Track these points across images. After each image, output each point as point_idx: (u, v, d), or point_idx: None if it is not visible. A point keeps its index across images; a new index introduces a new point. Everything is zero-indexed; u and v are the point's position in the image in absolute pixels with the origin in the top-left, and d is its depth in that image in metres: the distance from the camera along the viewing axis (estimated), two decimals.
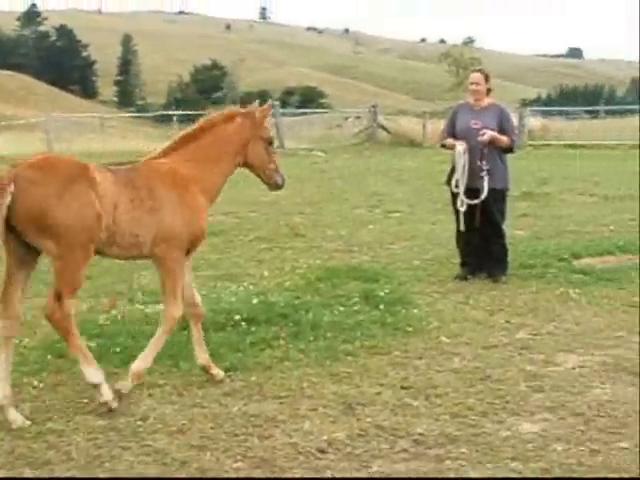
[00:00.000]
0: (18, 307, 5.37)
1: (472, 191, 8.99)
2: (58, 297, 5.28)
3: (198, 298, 6.09)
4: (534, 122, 35.16)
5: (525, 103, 75.20)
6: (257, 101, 6.46)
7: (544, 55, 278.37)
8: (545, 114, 41.38)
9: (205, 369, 6.07)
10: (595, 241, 11.13)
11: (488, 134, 8.92)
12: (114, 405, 5.45)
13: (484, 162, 8.92)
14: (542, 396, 5.67)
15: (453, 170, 9.20)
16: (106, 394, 5.45)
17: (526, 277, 9.18)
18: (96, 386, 5.44)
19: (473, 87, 9.30)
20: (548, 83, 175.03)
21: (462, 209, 9.01)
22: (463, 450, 4.82)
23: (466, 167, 8.94)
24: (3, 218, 5.06)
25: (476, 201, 8.95)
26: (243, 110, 6.30)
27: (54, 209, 5.13)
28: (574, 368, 6.25)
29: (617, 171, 20.33)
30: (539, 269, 9.45)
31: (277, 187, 6.42)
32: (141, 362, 5.76)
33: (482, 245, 9.20)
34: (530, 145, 30.51)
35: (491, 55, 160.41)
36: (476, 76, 9.33)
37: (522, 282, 8.98)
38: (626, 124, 35.24)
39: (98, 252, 5.58)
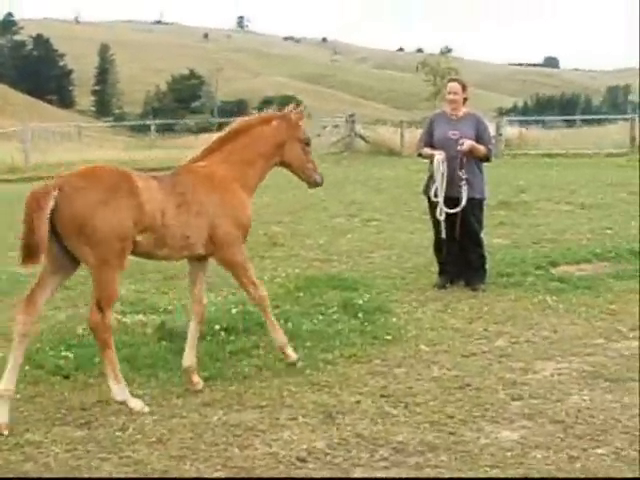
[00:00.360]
0: (40, 309, 5.59)
1: (451, 200, 9.01)
2: (100, 310, 5.50)
3: (205, 299, 6.33)
4: (511, 131, 35.32)
5: (502, 112, 75.75)
6: (292, 104, 6.80)
7: (520, 64, 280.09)
8: (522, 123, 41.61)
9: (187, 372, 6.08)
10: (572, 249, 11.19)
11: (467, 143, 8.98)
12: (146, 410, 5.56)
13: (463, 171, 8.96)
14: (521, 404, 5.69)
15: (430, 179, 9.22)
16: (135, 406, 5.59)
17: (504, 285, 9.22)
18: (123, 403, 5.60)
19: (451, 97, 9.32)
20: (525, 92, 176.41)
21: (441, 218, 9.03)
22: (442, 458, 4.82)
23: (445, 176, 8.95)
24: (45, 220, 5.24)
25: (455, 210, 8.98)
26: (279, 113, 6.63)
27: (95, 217, 5.36)
28: (552, 375, 6.28)
29: (593, 179, 20.44)
30: (517, 277, 9.49)
31: (316, 185, 6.78)
32: (278, 337, 6.40)
33: (460, 254, 9.23)
34: (507, 154, 30.64)
35: (468, 64, 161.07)
36: (454, 86, 9.36)
37: (500, 290, 9.02)
38: (602, 133, 35.57)
39: (148, 255, 5.94)
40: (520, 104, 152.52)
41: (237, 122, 6.58)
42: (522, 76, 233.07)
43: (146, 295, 8.95)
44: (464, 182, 8.96)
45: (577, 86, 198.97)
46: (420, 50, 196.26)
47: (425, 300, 8.69)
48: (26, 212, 5.28)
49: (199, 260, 6.21)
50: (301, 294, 8.77)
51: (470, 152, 9.03)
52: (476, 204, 9.16)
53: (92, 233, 5.35)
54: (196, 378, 6.09)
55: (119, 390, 5.62)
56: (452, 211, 8.99)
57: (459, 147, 8.95)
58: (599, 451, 4.90)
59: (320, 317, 7.81)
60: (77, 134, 42.97)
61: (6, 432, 5.23)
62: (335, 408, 5.60)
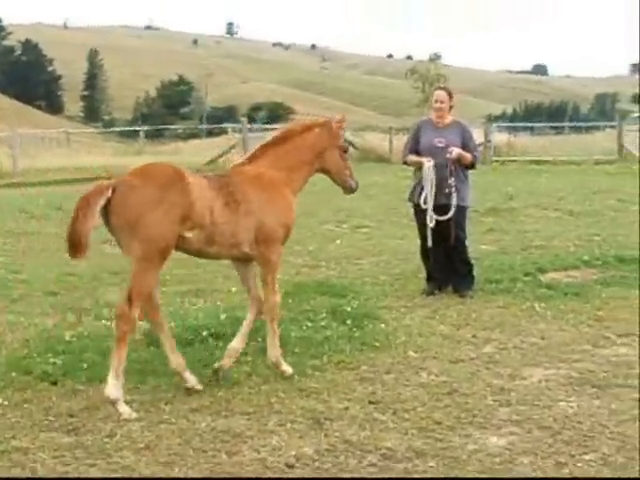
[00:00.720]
0: (157, 297, 6.03)
1: (438, 207, 9.02)
2: (129, 301, 5.66)
3: (261, 294, 6.49)
4: (500, 138, 35.46)
5: (491, 119, 75.93)
6: (338, 116, 6.94)
7: (509, 71, 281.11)
8: (511, 130, 41.79)
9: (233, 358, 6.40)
10: (560, 256, 11.23)
11: (456, 151, 9.01)
12: (132, 417, 5.58)
13: (452, 179, 8.99)
14: (509, 410, 5.70)
15: (416, 186, 9.25)
16: (124, 411, 5.61)
17: (492, 292, 9.24)
18: (113, 403, 5.64)
19: (437, 105, 9.33)
20: (513, 99, 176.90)
21: (431, 225, 9.01)
22: (431, 464, 4.83)
23: (434, 183, 8.97)
24: (91, 217, 5.57)
25: (446, 217, 8.99)
26: (321, 121, 6.89)
27: (146, 215, 5.59)
28: (540, 382, 6.30)
29: (582, 186, 20.53)
30: (505, 284, 9.51)
31: (351, 191, 7.08)
32: (273, 351, 6.44)
33: (447, 261, 9.25)
34: (496, 161, 30.76)
35: (457, 71, 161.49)
36: (441, 94, 9.37)
37: (489, 296, 9.05)
38: (590, 140, 35.75)
39: (198, 253, 6.16)
40: (509, 111, 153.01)
41: (281, 130, 6.89)
42: (511, 83, 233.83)
43: None
44: (453, 189, 8.98)
45: (566, 93, 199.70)
46: (410, 57, 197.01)
47: (413, 306, 8.71)
48: (75, 208, 5.62)
49: (245, 263, 6.46)
50: (290, 300, 8.75)
51: (457, 160, 9.07)
52: (461, 211, 9.17)
53: (141, 230, 5.60)
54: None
55: (114, 388, 5.63)
56: (442, 218, 8.99)
57: (448, 155, 8.97)
58: (586, 457, 4.92)
59: (309, 323, 7.81)
60: (66, 140, 42.90)
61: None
62: (323, 414, 5.60)
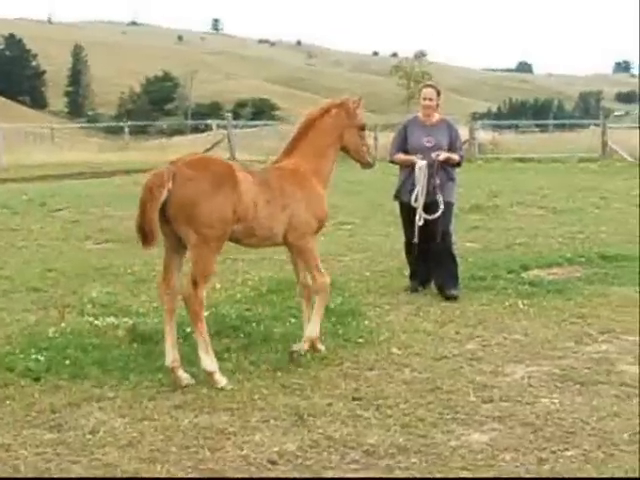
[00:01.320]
0: (177, 285, 6.23)
1: (426, 205, 8.96)
2: (195, 283, 6.04)
3: (309, 280, 6.84)
4: (484, 136, 35.53)
5: (475, 117, 76.07)
6: (355, 96, 7.24)
7: (494, 69, 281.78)
8: (495, 128, 41.88)
9: (309, 343, 6.75)
10: (544, 253, 11.28)
11: (443, 156, 8.96)
12: (229, 387, 6.00)
13: (438, 179, 8.91)
14: (491, 406, 5.72)
15: (404, 184, 9.18)
16: (220, 380, 6.05)
17: (476, 289, 9.27)
18: (210, 374, 6.07)
19: (426, 102, 9.21)
20: (498, 97, 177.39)
21: (420, 223, 8.93)
22: (413, 460, 4.85)
23: (425, 182, 8.89)
24: (157, 209, 5.86)
25: (435, 216, 8.91)
26: (338, 102, 7.15)
27: (202, 203, 5.95)
28: (523, 378, 6.32)
29: (565, 184, 20.62)
30: (489, 281, 9.55)
31: (369, 165, 7.41)
32: (312, 330, 6.76)
33: (432, 257, 9.20)
34: (480, 158, 30.82)
35: (442, 69, 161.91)
36: (429, 91, 9.26)
37: (472, 294, 9.07)
38: (574, 138, 35.87)
39: (237, 241, 6.56)
40: (494, 109, 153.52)
41: (302, 118, 7.14)
42: (496, 81, 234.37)
43: (118, 297, 8.91)
44: (439, 188, 8.92)
45: (550, 91, 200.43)
46: (395, 54, 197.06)
47: (397, 303, 8.72)
48: (141, 200, 5.92)
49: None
50: (273, 297, 8.78)
51: (445, 161, 9.03)
52: (448, 207, 9.12)
53: (198, 217, 5.94)
54: (319, 345, 6.83)
55: (208, 361, 6.10)
56: (432, 217, 8.91)
57: (433, 156, 8.92)
58: (568, 453, 4.95)
59: (292, 320, 7.81)
60: (50, 135, 42.73)
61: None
62: (306, 410, 5.60)
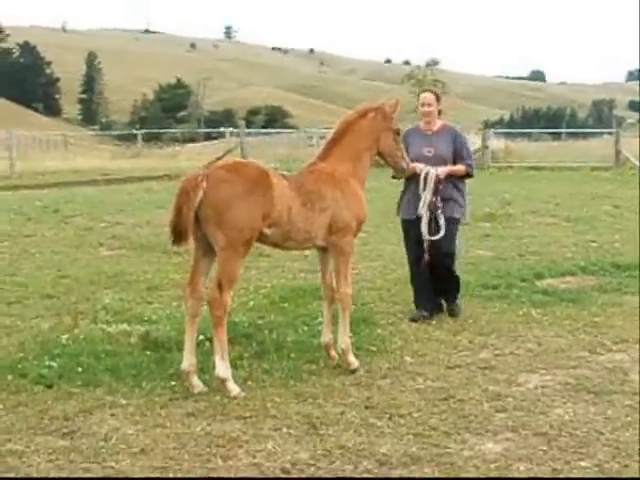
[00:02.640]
0: (202, 290, 6.26)
1: (428, 221, 8.30)
2: (220, 287, 6.07)
3: (335, 283, 6.82)
4: (497, 144, 35.48)
5: (488, 125, 75.99)
6: (387, 98, 7.31)
7: (507, 77, 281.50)
8: (508, 136, 41.81)
9: (327, 348, 6.89)
10: (557, 262, 11.24)
11: (442, 171, 8.20)
12: (241, 396, 6.00)
13: (438, 198, 8.20)
14: (505, 416, 5.70)
15: (409, 200, 8.47)
16: (232, 389, 6.06)
17: (489, 297, 9.23)
18: (222, 381, 6.08)
19: (425, 109, 8.45)
20: (511, 105, 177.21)
21: (427, 237, 8.24)
22: (426, 470, 4.82)
23: (430, 193, 8.19)
24: (192, 210, 5.93)
25: (437, 237, 8.20)
26: (374, 105, 7.11)
27: (234, 206, 5.99)
28: (536, 388, 6.29)
29: (578, 193, 20.57)
30: (502, 290, 9.51)
31: (402, 171, 7.42)
32: (345, 339, 6.77)
33: (436, 280, 8.57)
34: (493, 166, 30.78)
35: (455, 76, 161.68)
36: (427, 96, 8.51)
37: (485, 302, 9.03)
38: (587, 146, 35.78)
39: (275, 245, 6.66)
40: (506, 117, 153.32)
41: (339, 122, 7.07)
42: (508, 89, 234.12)
43: (131, 305, 8.92)
44: (440, 207, 8.21)
45: (563, 99, 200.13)
46: (407, 62, 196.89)
47: (410, 312, 8.68)
48: (177, 202, 6.00)
49: (324, 249, 6.82)
50: (286, 305, 8.77)
51: (448, 176, 8.28)
52: (451, 224, 8.36)
53: (228, 221, 5.98)
54: (333, 353, 6.85)
55: (223, 367, 6.10)
56: (435, 238, 8.20)
57: (432, 172, 8.16)
58: (582, 464, 4.91)
59: (305, 328, 7.81)
60: (63, 143, 42.88)
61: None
62: (319, 419, 5.59)
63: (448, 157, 8.40)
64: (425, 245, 8.31)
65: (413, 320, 8.30)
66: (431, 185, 8.19)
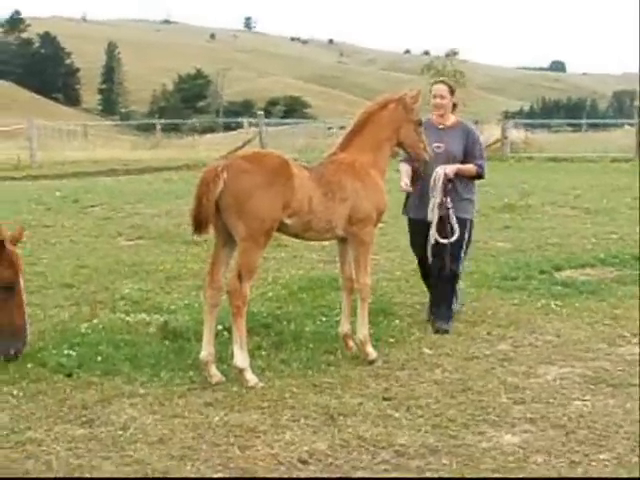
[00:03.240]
0: (222, 281, 6.28)
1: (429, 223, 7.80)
2: (239, 277, 6.09)
3: (355, 274, 6.84)
4: (517, 135, 35.31)
5: (508, 115, 75.58)
6: (409, 89, 7.21)
7: (527, 68, 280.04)
8: (528, 127, 41.59)
9: (345, 339, 6.94)
10: (576, 254, 11.19)
11: (451, 169, 7.69)
12: (259, 386, 6.02)
13: (448, 198, 7.70)
14: (523, 408, 5.68)
15: (408, 198, 8.11)
16: (250, 379, 6.08)
17: (508, 289, 9.20)
18: (241, 371, 6.10)
19: (437, 100, 7.92)
20: (531, 96, 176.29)
21: (432, 241, 7.74)
22: (444, 461, 4.82)
23: (441, 194, 7.68)
24: (213, 200, 5.97)
25: (451, 240, 7.70)
26: (396, 96, 7.05)
27: (255, 196, 6.01)
28: (555, 380, 6.27)
29: (598, 184, 20.43)
30: (521, 281, 9.48)
31: (425, 162, 7.30)
32: (363, 330, 6.77)
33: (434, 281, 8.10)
34: (512, 158, 30.65)
35: (474, 67, 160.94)
36: (440, 88, 7.98)
37: (504, 294, 9.00)
38: (608, 138, 35.57)
39: (295, 236, 6.69)
40: (526, 108, 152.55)
41: (359, 113, 7.05)
42: (529, 80, 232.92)
43: (150, 294, 8.95)
44: (451, 208, 7.71)
45: (583, 90, 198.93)
46: (427, 52, 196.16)
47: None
48: (197, 192, 6.04)
49: (344, 240, 6.83)
50: (304, 295, 8.77)
51: (456, 174, 7.78)
52: (463, 225, 7.85)
53: (249, 211, 6.00)
54: (351, 343, 6.90)
55: (241, 357, 6.12)
56: (446, 241, 7.69)
57: (439, 170, 7.64)
58: (601, 456, 4.90)
59: (323, 318, 7.82)
60: (83, 133, 43.04)
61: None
62: (337, 410, 5.59)
63: (458, 154, 7.84)
64: (429, 248, 7.78)
65: (439, 331, 7.61)
66: (439, 185, 7.65)
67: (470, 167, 7.86)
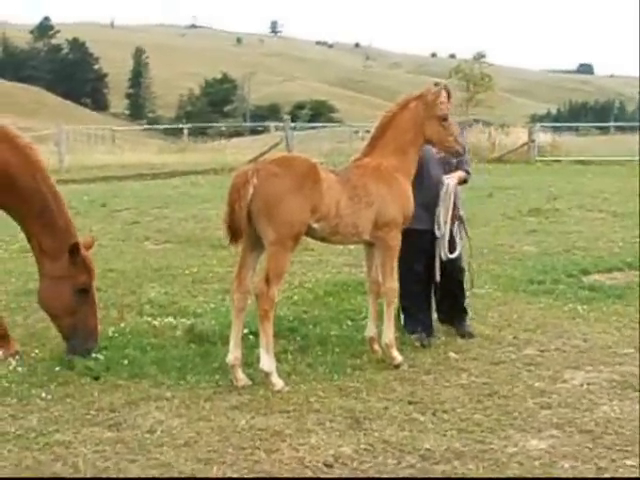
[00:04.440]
0: (249, 284, 6.29)
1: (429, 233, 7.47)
2: (267, 282, 6.09)
3: (381, 278, 6.81)
4: (544, 138, 35.17)
5: (535, 119, 75.24)
6: (435, 87, 7.00)
7: (554, 71, 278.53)
8: (555, 130, 41.40)
9: (370, 342, 6.96)
10: (604, 257, 11.12)
11: (454, 179, 7.44)
12: (285, 390, 6.03)
13: (462, 211, 7.58)
14: (549, 412, 5.65)
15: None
16: (276, 383, 6.09)
17: (535, 293, 9.16)
18: (267, 374, 6.12)
19: None
20: (558, 99, 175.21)
21: (444, 257, 7.41)
22: (470, 466, 4.81)
23: (451, 206, 7.40)
24: (245, 207, 5.99)
25: (455, 254, 7.49)
26: (416, 94, 6.98)
27: (283, 201, 6.03)
28: (582, 385, 6.23)
29: (626, 187, 20.28)
30: (548, 285, 9.43)
31: (458, 155, 7.17)
32: (388, 334, 6.75)
33: (440, 290, 7.81)
34: (539, 161, 30.52)
35: (501, 70, 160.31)
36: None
37: (530, 298, 8.97)
38: (636, 140, 35.27)
39: (322, 239, 6.68)
40: (553, 111, 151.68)
41: (380, 117, 7.03)
42: (556, 82, 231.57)
43: (176, 298, 8.99)
44: (460, 220, 7.56)
45: (611, 93, 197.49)
46: (453, 56, 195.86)
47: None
48: (229, 200, 6.09)
49: (371, 244, 6.82)
50: (330, 299, 8.78)
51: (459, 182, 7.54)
52: (461, 224, 7.67)
53: (278, 215, 6.02)
54: (377, 347, 6.90)
55: (267, 361, 6.13)
56: (454, 255, 7.47)
57: (447, 182, 7.35)
58: (628, 462, 4.86)
59: (349, 322, 7.82)
60: (111, 137, 43.31)
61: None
62: (362, 414, 5.59)
63: (452, 160, 7.50)
64: (437, 263, 7.43)
65: (421, 344, 7.29)
66: (452, 197, 7.37)
67: (461, 173, 7.58)
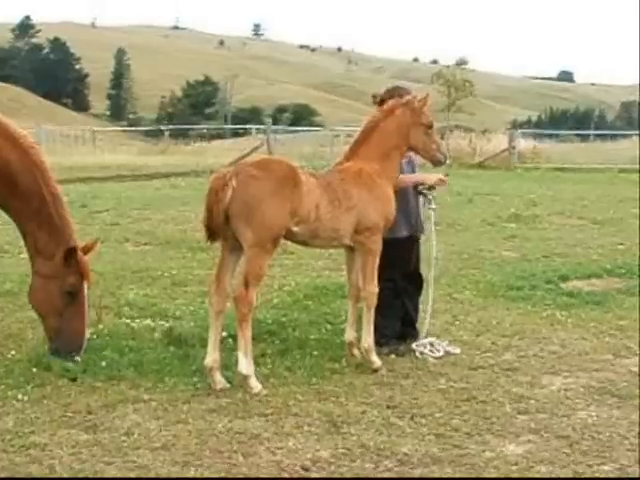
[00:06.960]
0: (228, 287, 6.27)
1: (412, 240, 7.53)
2: (246, 284, 6.08)
3: (361, 282, 6.77)
4: (524, 144, 35.34)
5: (516, 125, 75.59)
6: (421, 94, 7.05)
7: (535, 77, 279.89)
8: (535, 136, 41.61)
9: (349, 346, 6.91)
10: (583, 264, 11.17)
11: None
12: (263, 393, 6.02)
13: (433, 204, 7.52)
14: (527, 418, 5.68)
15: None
16: (254, 386, 6.09)
17: (513, 299, 9.19)
18: (245, 378, 6.11)
19: None
20: (539, 106, 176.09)
21: (435, 253, 7.59)
22: (447, 470, 4.82)
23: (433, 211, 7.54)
24: (223, 210, 5.98)
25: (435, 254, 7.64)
26: (402, 101, 6.94)
27: (262, 204, 6.01)
28: (559, 390, 6.26)
29: (606, 194, 20.43)
30: (526, 291, 9.46)
31: (439, 164, 7.08)
32: (368, 338, 6.72)
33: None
34: (520, 167, 30.66)
35: (483, 76, 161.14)
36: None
37: (509, 304, 8.99)
38: (615, 148, 35.56)
39: (303, 243, 6.68)
40: (534, 117, 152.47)
41: (365, 122, 7.01)
42: (536, 89, 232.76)
43: (155, 300, 8.96)
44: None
45: (591, 100, 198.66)
46: (435, 61, 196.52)
47: (434, 312, 8.62)
48: (208, 201, 6.09)
49: (351, 249, 6.80)
50: (310, 303, 8.78)
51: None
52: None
53: (257, 218, 6.00)
54: (356, 351, 6.85)
55: (246, 364, 6.12)
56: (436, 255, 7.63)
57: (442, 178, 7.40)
58: (605, 468, 4.89)
59: (328, 326, 7.82)
60: (91, 138, 43.12)
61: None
62: (340, 418, 5.59)
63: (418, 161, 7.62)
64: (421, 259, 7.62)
65: (397, 354, 7.14)
66: (429, 194, 7.46)
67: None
